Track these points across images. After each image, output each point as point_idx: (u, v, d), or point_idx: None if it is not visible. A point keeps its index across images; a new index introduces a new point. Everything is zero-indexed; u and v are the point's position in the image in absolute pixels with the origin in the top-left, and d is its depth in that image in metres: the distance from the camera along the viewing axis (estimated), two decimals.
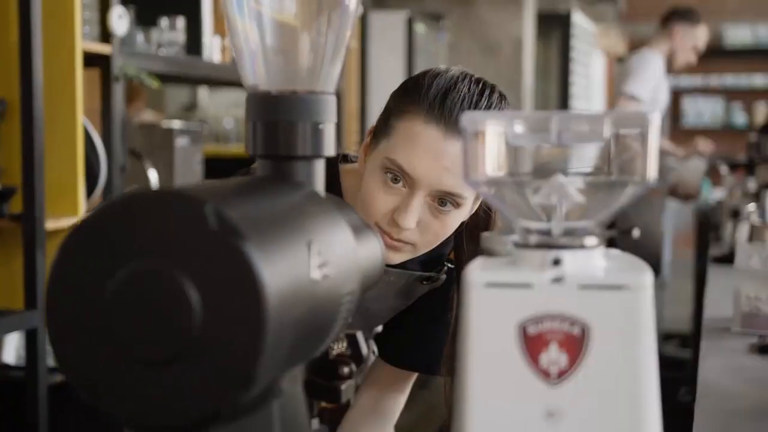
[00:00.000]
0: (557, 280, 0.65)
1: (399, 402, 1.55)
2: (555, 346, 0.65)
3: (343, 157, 1.45)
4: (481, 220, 1.40)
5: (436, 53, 5.01)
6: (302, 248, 0.65)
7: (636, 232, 3.44)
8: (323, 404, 0.94)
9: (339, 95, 4.42)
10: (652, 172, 0.66)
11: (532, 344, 0.65)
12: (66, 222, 2.51)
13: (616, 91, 4.63)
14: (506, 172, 0.69)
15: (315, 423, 1.28)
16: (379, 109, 1.35)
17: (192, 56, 3.23)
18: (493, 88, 1.30)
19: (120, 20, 2.70)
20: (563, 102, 7.09)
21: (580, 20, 7.27)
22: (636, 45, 8.80)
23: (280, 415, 0.68)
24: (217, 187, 0.66)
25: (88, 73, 2.71)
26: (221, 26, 3.41)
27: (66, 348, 0.61)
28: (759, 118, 9.21)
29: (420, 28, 4.94)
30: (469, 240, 1.40)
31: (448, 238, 1.39)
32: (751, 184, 3.75)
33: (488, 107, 1.27)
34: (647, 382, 0.65)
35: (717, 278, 2.56)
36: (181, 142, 3.01)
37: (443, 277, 1.45)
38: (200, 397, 0.59)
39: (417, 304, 1.48)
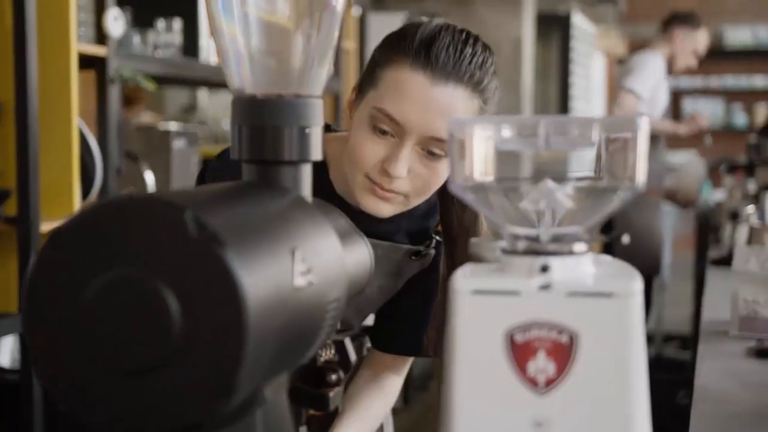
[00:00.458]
0: (545, 287, 0.64)
1: (397, 383, 1.55)
2: (543, 354, 0.64)
3: (326, 127, 1.45)
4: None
5: None
6: (286, 255, 0.63)
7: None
8: (311, 412, 0.93)
9: (337, 96, 4.41)
10: (641, 177, 0.65)
11: (519, 352, 0.64)
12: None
13: (616, 87, 4.62)
14: (494, 177, 0.68)
15: (303, 431, 1.27)
16: None
17: (189, 58, 3.22)
18: (477, 38, 1.30)
19: (116, 22, 2.68)
20: (563, 103, 7.08)
21: (579, 21, 7.26)
22: (636, 46, 8.79)
23: (263, 424, 0.66)
24: (198, 193, 0.65)
25: (84, 75, 2.70)
26: None
27: (44, 356, 0.60)
28: (759, 119, 9.20)
29: None
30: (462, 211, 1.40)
31: (434, 209, 1.39)
32: (751, 186, 3.74)
33: (473, 55, 1.26)
34: (637, 391, 0.64)
35: (716, 281, 2.55)
36: (178, 144, 3.00)
37: (432, 252, 1.45)
38: (181, 406, 0.58)
39: (406, 288, 1.48)
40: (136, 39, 2.95)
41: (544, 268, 0.65)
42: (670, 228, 5.67)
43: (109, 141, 2.69)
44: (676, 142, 8.67)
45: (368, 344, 1.59)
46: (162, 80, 3.22)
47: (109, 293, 0.58)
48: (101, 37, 2.69)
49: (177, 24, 3.12)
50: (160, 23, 3.08)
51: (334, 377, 0.84)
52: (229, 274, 0.56)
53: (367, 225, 1.41)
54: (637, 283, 0.64)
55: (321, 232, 0.71)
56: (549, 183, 0.66)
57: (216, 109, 5.63)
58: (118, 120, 2.78)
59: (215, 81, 3.62)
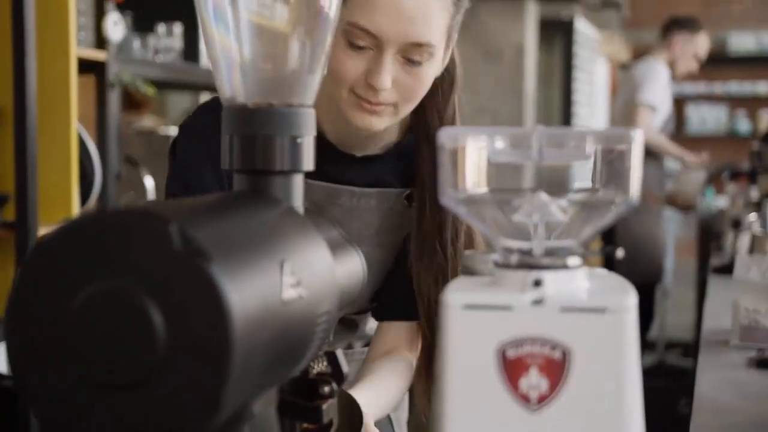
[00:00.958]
0: (538, 302, 0.63)
1: (409, 358, 1.45)
2: (535, 370, 0.63)
3: None
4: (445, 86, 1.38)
5: None
6: (274, 268, 0.62)
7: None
8: (305, 425, 0.91)
9: None
10: (636, 190, 0.64)
11: (511, 368, 0.63)
12: None
13: (629, 101, 4.57)
14: (487, 189, 0.67)
15: None
16: None
17: (189, 62, 3.21)
18: None
19: (115, 27, 2.68)
20: (566, 109, 7.07)
21: (583, 27, 7.25)
22: (640, 52, 8.78)
23: None
24: (185, 205, 0.63)
25: (83, 80, 2.70)
26: None
27: (26, 372, 0.59)
28: (763, 126, 9.18)
29: None
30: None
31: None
32: (754, 193, 3.73)
33: None
34: (631, 408, 0.63)
35: (717, 289, 2.54)
36: None
37: None
38: (165, 422, 0.57)
39: (401, 258, 1.44)
40: (136, 43, 2.95)
41: (537, 283, 0.64)
42: (672, 234, 5.66)
43: (108, 146, 2.68)
44: None
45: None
46: (162, 85, 3.21)
47: (93, 306, 0.57)
48: (101, 41, 2.69)
49: (177, 28, 3.12)
50: (161, 28, 3.08)
51: (327, 389, 0.82)
52: (215, 288, 0.55)
53: (359, 171, 1.39)
54: (632, 298, 0.63)
55: (311, 243, 0.70)
56: (543, 196, 0.65)
57: None
58: (118, 124, 2.78)
59: (215, 85, 3.61)
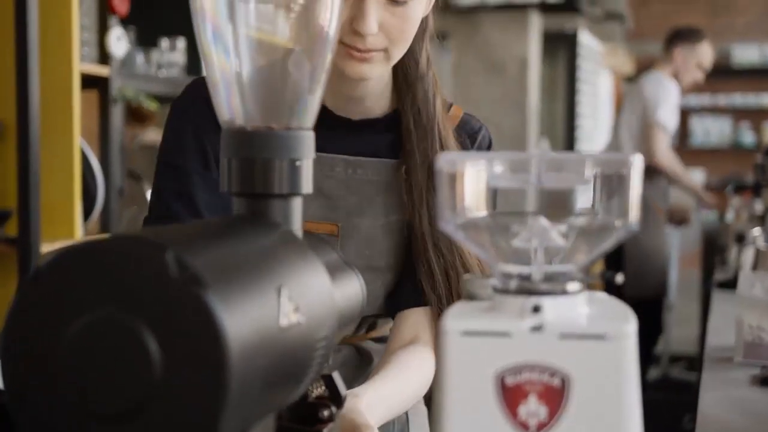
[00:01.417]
0: (537, 328, 0.62)
1: (428, 356, 1.33)
2: (534, 397, 0.62)
3: None
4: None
5: (441, 72, 4.98)
6: (271, 294, 0.62)
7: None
8: None
9: None
10: (635, 215, 0.64)
11: (510, 395, 0.62)
12: (62, 245, 2.49)
13: (643, 120, 4.52)
14: (486, 214, 0.67)
15: None
16: None
17: (192, 77, 3.21)
18: None
19: (118, 42, 2.68)
20: (570, 122, 7.07)
21: (586, 39, 7.25)
22: (643, 63, 8.78)
23: None
24: (182, 231, 0.63)
25: (86, 95, 2.70)
26: None
27: (22, 399, 0.58)
28: (767, 138, 9.18)
29: None
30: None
31: None
32: (758, 206, 3.72)
33: None
34: None
35: (721, 304, 2.53)
36: None
37: None
38: None
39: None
40: (140, 58, 2.95)
41: (536, 309, 0.63)
42: (677, 246, 5.65)
43: (111, 161, 2.68)
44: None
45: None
46: (165, 99, 3.21)
47: (90, 334, 0.56)
48: (104, 56, 2.69)
49: (181, 43, 3.12)
50: (164, 42, 3.08)
51: (326, 413, 0.82)
52: (211, 316, 0.55)
53: (354, 139, 1.35)
54: (631, 325, 0.63)
55: (309, 268, 0.70)
56: (542, 221, 0.65)
57: None
58: (121, 139, 2.78)
59: None
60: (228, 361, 0.55)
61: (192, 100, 1.31)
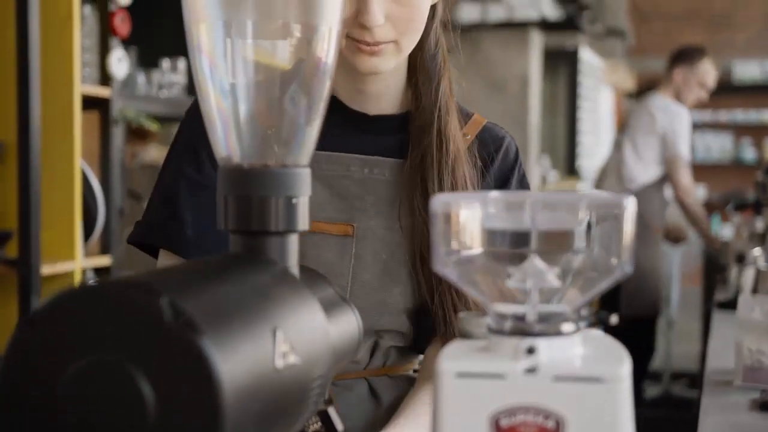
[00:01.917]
0: (531, 370, 0.63)
1: None
2: None
3: None
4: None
5: None
6: (266, 336, 0.62)
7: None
8: None
9: None
10: (629, 257, 0.64)
11: None
12: (62, 267, 2.49)
13: (667, 154, 4.48)
14: (479, 254, 0.67)
15: None
16: None
17: (193, 97, 3.22)
18: None
19: (119, 63, 2.69)
20: (571, 138, 7.08)
21: (587, 56, 7.27)
22: (645, 80, 8.80)
23: None
24: (177, 273, 0.63)
25: (87, 116, 2.71)
26: None
27: None
28: None
29: None
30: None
31: None
32: (759, 224, 3.72)
33: None
34: None
35: (721, 326, 2.52)
36: None
37: None
38: None
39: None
40: (141, 78, 2.96)
41: (531, 350, 0.63)
42: (678, 263, 5.64)
43: (111, 182, 2.69)
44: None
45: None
46: (167, 119, 3.22)
47: (85, 379, 0.57)
48: (105, 78, 2.70)
49: (182, 64, 3.13)
50: (165, 63, 3.09)
51: None
52: (205, 362, 0.55)
53: (370, 138, 1.30)
54: (626, 367, 0.63)
55: (305, 306, 0.70)
56: (536, 262, 0.65)
57: None
58: (122, 159, 2.78)
59: None
60: (222, 406, 0.55)
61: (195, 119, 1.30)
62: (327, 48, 0.76)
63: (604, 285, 0.66)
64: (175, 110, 3.08)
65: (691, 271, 6.36)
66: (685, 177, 4.44)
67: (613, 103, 8.99)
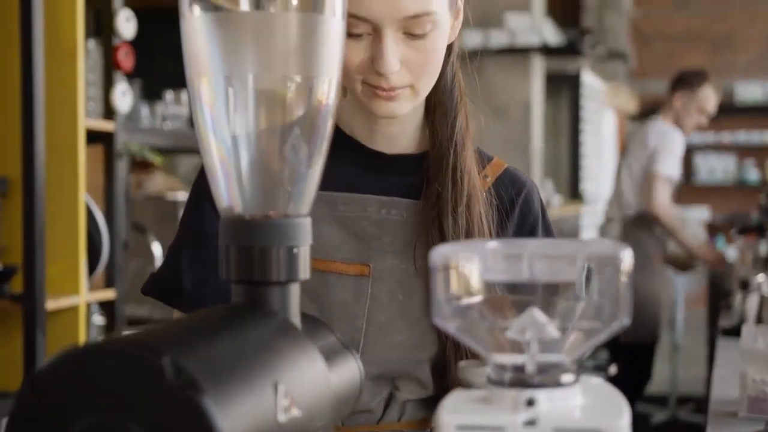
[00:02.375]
0: (531, 422, 0.63)
1: None
2: None
3: None
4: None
5: None
6: (268, 391, 0.63)
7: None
8: None
9: None
10: (626, 309, 0.65)
11: None
12: (67, 301, 2.50)
13: (646, 170, 4.52)
14: (479, 304, 0.67)
15: None
16: None
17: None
18: None
19: (123, 97, 2.71)
20: (574, 162, 7.09)
21: (589, 80, 7.30)
22: (647, 102, 8.83)
23: None
24: (178, 329, 0.64)
25: (92, 150, 2.72)
26: None
27: None
28: None
29: None
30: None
31: None
32: (763, 248, 3.71)
33: None
34: None
35: (726, 353, 2.52)
36: None
37: None
38: None
39: None
40: (145, 111, 2.98)
41: (530, 402, 0.64)
42: (682, 287, 5.64)
43: (116, 215, 2.70)
44: (679, 196, 8.67)
45: None
46: (170, 151, 3.24)
47: None
48: (109, 111, 2.71)
49: (185, 95, 3.15)
50: (168, 95, 3.11)
51: None
52: (208, 421, 0.56)
53: (388, 178, 1.28)
54: (625, 418, 0.63)
55: (306, 358, 0.71)
56: (536, 313, 0.66)
57: None
58: (127, 192, 2.80)
59: None
60: None
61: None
62: (327, 97, 0.77)
63: (602, 336, 0.67)
64: (178, 142, 3.09)
65: (696, 294, 6.36)
66: (659, 192, 4.43)
67: (615, 126, 9.01)
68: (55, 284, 2.49)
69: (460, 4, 1.25)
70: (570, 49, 5.95)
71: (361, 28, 1.14)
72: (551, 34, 5.67)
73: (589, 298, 0.66)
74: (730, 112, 9.13)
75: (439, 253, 0.67)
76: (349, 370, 0.81)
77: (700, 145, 9.59)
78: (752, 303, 2.67)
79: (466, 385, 0.71)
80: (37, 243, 2.38)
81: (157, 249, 2.92)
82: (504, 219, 1.31)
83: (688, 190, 9.46)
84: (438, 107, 1.30)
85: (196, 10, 0.74)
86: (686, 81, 4.59)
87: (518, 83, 5.40)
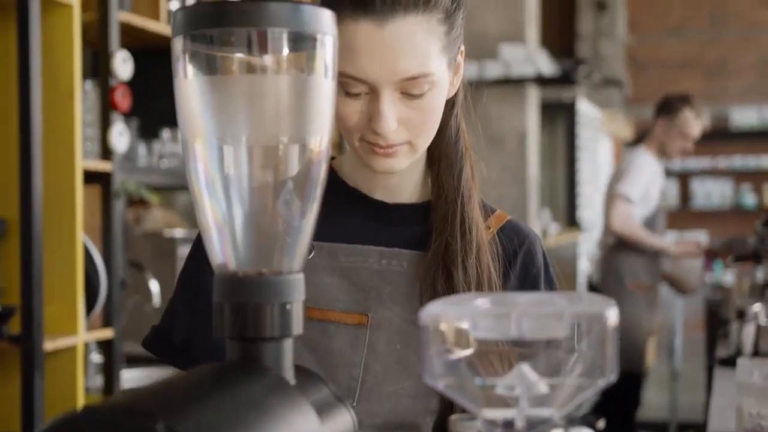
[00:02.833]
0: None
1: None
2: None
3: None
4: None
5: None
6: None
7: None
8: None
9: None
10: (613, 366, 0.66)
11: None
12: (64, 342, 2.50)
13: (609, 187, 4.64)
14: (467, 363, 0.69)
15: None
16: None
17: None
18: None
19: (120, 137, 2.73)
20: (570, 189, 7.11)
21: (585, 108, 7.33)
22: (642, 128, 8.86)
23: None
24: (172, 390, 0.65)
25: (89, 189, 2.74)
26: None
27: None
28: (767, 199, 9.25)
29: None
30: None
31: None
32: (760, 275, 3.72)
33: None
34: None
35: (722, 383, 2.53)
36: (183, 251, 3.02)
37: None
38: None
39: None
40: (142, 149, 3.00)
41: None
42: (680, 312, 5.64)
43: (113, 255, 2.71)
44: (676, 222, 8.69)
45: None
46: (167, 189, 3.25)
47: None
48: (106, 151, 2.73)
49: None
50: (165, 133, 3.13)
51: None
52: None
53: (390, 228, 1.30)
54: None
55: (299, 415, 0.72)
56: (525, 369, 0.67)
57: None
58: (124, 231, 2.81)
59: None
60: None
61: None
62: (319, 154, 0.78)
63: (591, 391, 0.68)
64: (176, 180, 3.11)
65: (694, 319, 6.36)
66: (615, 210, 4.48)
67: (612, 153, 9.04)
68: (53, 325, 2.49)
69: (460, 59, 1.26)
70: (565, 79, 5.99)
71: (359, 88, 1.16)
72: (545, 65, 5.70)
73: (578, 355, 0.68)
74: (725, 137, 9.18)
75: (429, 312, 0.68)
76: (343, 424, 0.82)
77: (697, 170, 9.62)
78: (749, 333, 2.68)
79: None
80: (35, 284, 2.38)
81: (154, 287, 2.93)
82: (507, 269, 1.32)
83: (685, 215, 9.49)
84: (443, 159, 1.31)
85: (190, 72, 0.76)
86: (667, 106, 4.63)
87: (514, 113, 5.43)
